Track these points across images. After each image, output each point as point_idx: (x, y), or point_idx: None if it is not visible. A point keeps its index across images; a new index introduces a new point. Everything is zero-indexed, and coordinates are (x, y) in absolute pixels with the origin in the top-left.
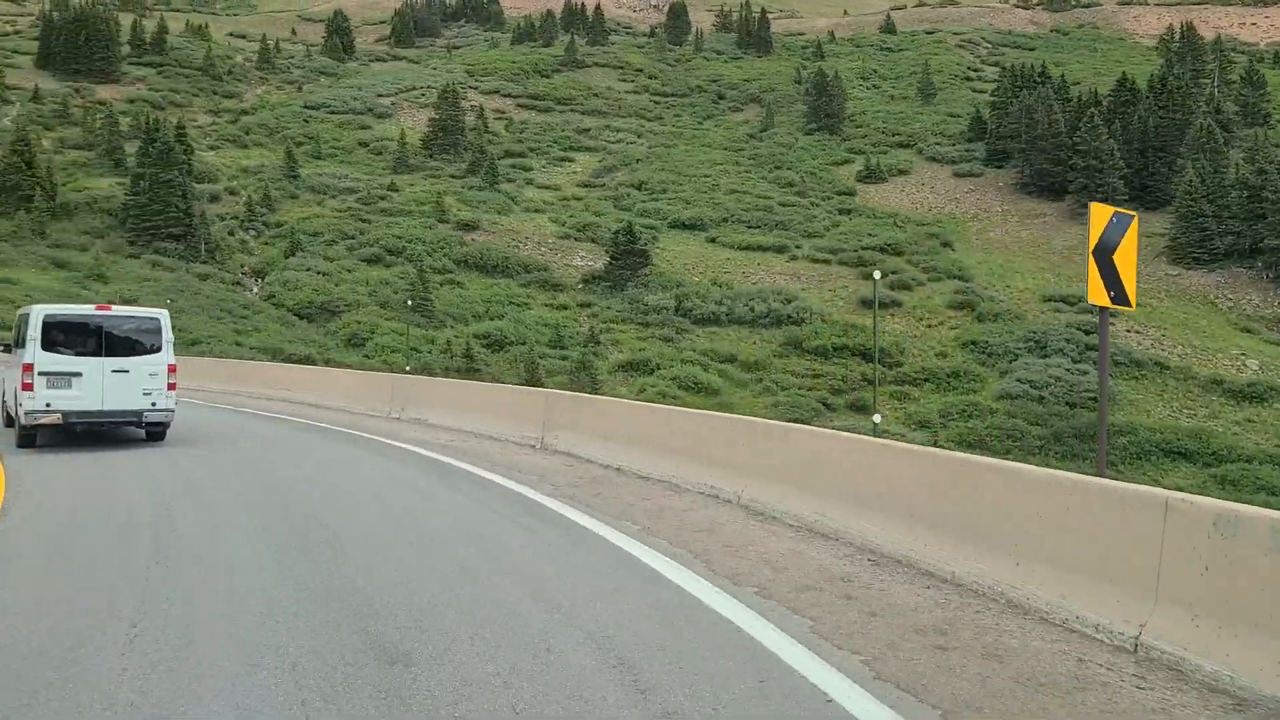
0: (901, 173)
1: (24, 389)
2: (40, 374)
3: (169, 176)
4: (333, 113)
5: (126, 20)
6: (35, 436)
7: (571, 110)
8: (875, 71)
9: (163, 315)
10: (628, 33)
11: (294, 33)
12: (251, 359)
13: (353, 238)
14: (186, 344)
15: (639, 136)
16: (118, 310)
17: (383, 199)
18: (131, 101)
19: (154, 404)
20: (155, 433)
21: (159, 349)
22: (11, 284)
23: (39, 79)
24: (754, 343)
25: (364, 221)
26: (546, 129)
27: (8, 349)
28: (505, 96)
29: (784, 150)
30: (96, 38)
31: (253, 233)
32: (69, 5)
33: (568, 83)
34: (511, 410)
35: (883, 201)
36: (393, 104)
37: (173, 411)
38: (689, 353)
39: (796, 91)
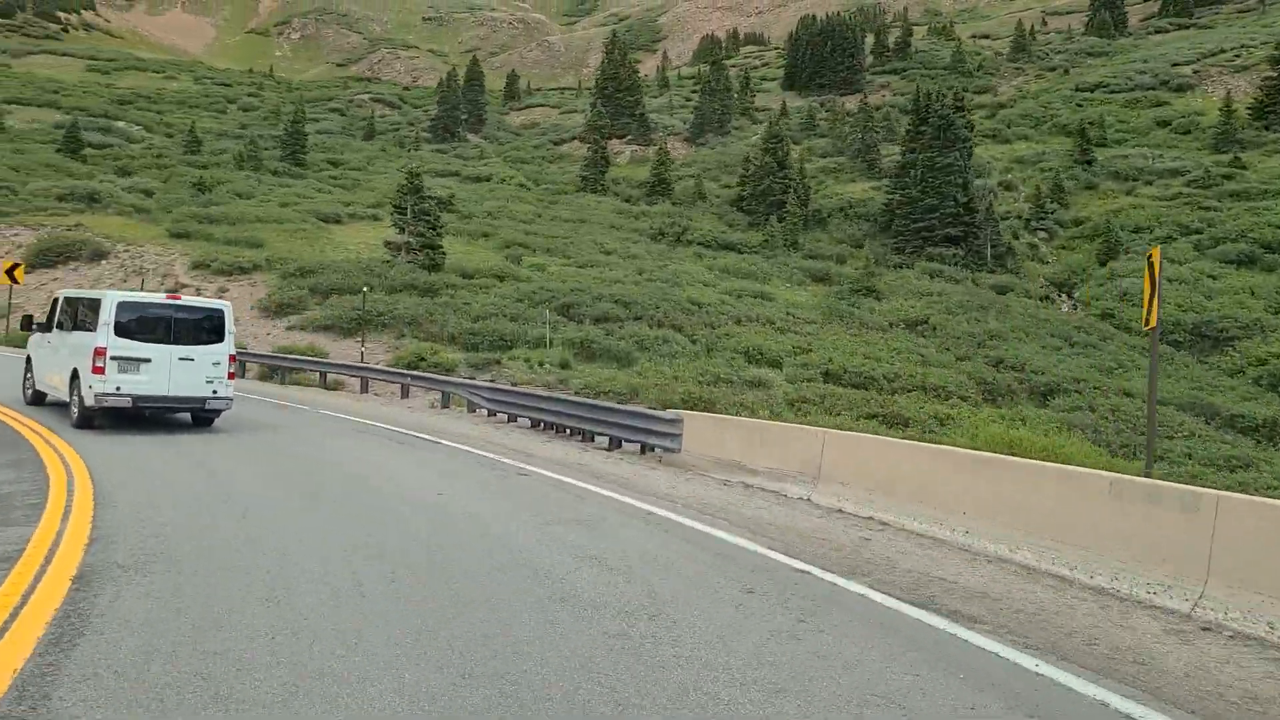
0: None
1: (95, 372)
2: (112, 358)
3: (946, 160)
4: (1113, 92)
5: (866, 41)
6: (94, 419)
7: None
8: None
9: (226, 307)
10: None
11: (1044, 22)
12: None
13: (1198, 231)
14: (1039, 392)
15: None
16: (186, 300)
17: (1227, 179)
18: (877, 108)
19: (215, 391)
20: (206, 419)
21: (222, 339)
22: (767, 300)
23: (785, 98)
24: None
25: (1207, 210)
26: None
27: (41, 329)
28: None
29: None
30: (841, 48)
31: (1042, 234)
32: (814, 23)
33: None
34: None
35: None
36: (1194, 73)
37: (231, 400)
38: None
39: None
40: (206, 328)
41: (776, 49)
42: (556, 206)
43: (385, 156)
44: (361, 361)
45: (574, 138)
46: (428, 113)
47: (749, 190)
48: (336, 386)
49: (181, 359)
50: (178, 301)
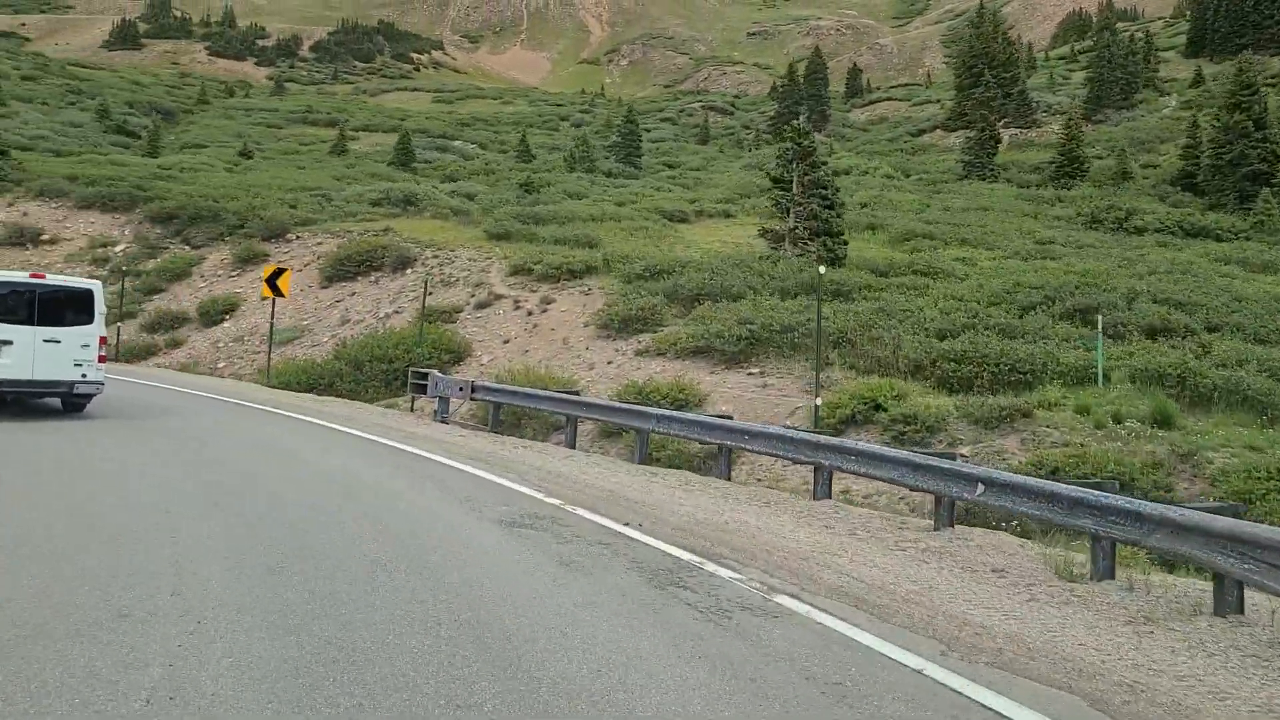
0: None
1: None
2: None
3: None
4: None
5: None
6: None
7: None
8: None
9: (96, 286)
10: None
11: None
12: None
13: None
14: None
15: None
16: (51, 279)
17: None
18: None
19: (84, 375)
20: (76, 405)
21: (92, 320)
22: None
23: (1193, 66)
24: None
25: None
26: None
27: None
28: None
29: None
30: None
31: None
32: None
33: None
34: None
35: None
36: None
37: (102, 384)
38: None
39: None
40: (74, 308)
41: (1161, 19)
42: (942, 195)
43: (724, 157)
44: (815, 427)
45: (935, 126)
46: (764, 113)
47: (1208, 162)
48: (737, 460)
49: (47, 341)
50: (42, 280)
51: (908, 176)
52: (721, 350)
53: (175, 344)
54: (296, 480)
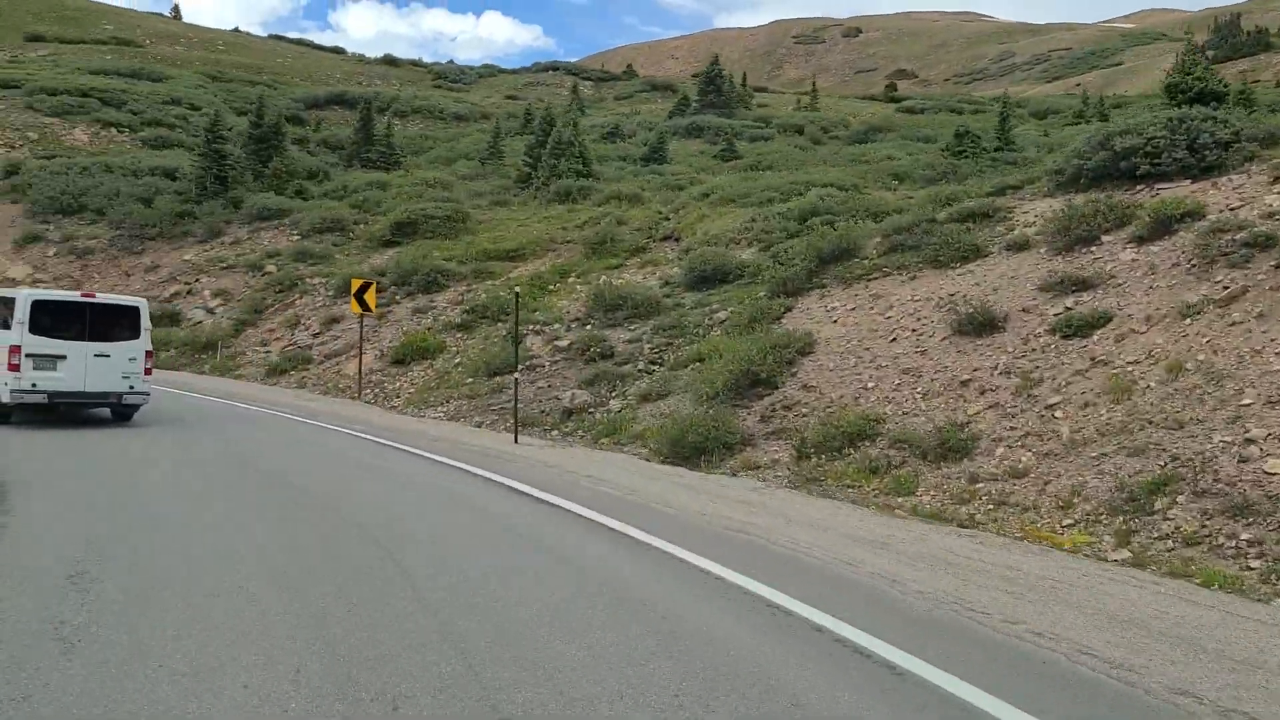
0: None
1: (10, 369)
2: (27, 355)
3: None
4: None
5: None
6: (10, 414)
7: None
8: None
9: (142, 304)
10: None
11: None
12: None
13: None
14: None
15: None
16: (101, 298)
17: None
18: None
19: (132, 386)
20: (125, 413)
21: (138, 335)
22: None
23: None
24: None
25: None
26: None
27: None
28: None
29: None
30: None
31: None
32: None
33: None
34: None
35: None
36: None
37: (148, 395)
38: None
39: None
40: (122, 324)
41: None
42: None
43: None
44: None
45: None
46: None
47: None
48: None
49: (97, 355)
50: (92, 299)
51: None
52: None
53: None
54: None
